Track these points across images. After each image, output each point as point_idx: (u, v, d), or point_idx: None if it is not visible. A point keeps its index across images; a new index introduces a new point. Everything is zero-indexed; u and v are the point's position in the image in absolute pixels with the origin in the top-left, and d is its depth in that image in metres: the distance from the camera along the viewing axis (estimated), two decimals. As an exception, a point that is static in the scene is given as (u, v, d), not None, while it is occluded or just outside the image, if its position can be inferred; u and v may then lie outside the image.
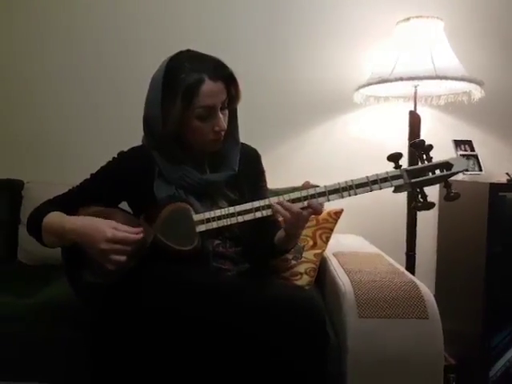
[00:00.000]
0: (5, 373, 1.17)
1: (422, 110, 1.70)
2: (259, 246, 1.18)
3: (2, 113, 2.00)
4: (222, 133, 1.08)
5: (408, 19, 1.57)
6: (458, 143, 1.76)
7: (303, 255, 1.38)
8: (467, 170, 1.68)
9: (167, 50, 1.10)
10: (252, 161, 1.23)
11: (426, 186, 1.03)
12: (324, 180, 1.04)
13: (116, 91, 1.94)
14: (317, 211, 0.99)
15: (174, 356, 0.96)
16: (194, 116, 1.04)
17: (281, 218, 1.03)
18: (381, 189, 0.99)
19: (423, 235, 1.80)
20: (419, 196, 1.03)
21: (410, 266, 1.69)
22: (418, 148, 1.03)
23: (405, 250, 1.72)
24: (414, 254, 1.70)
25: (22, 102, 1.99)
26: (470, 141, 1.78)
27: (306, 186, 1.02)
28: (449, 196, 1.01)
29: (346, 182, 0.99)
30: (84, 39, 1.95)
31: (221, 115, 1.06)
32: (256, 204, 1.01)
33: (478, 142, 1.79)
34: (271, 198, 1.01)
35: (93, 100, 1.97)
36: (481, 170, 1.73)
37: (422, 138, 1.63)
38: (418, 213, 1.69)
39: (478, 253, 1.54)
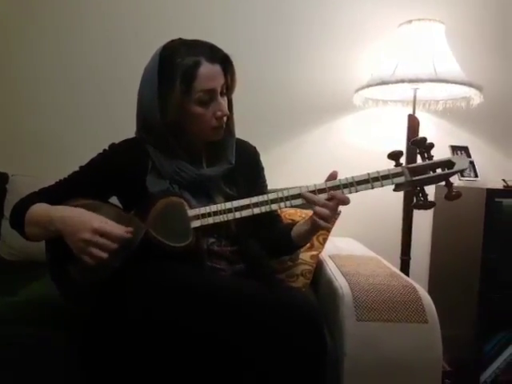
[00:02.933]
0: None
1: (419, 115, 1.69)
2: (260, 244, 1.15)
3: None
4: (225, 119, 1.05)
5: (410, 21, 1.57)
6: (454, 149, 1.75)
7: (300, 257, 1.34)
8: (463, 175, 1.68)
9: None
10: (250, 157, 1.20)
11: (427, 184, 1.01)
12: (322, 181, 1.00)
13: (103, 83, 1.92)
14: (344, 201, 0.95)
15: (163, 363, 0.90)
16: (194, 101, 1.00)
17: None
18: (382, 186, 0.96)
19: (417, 240, 1.78)
20: (420, 195, 1.00)
21: (405, 271, 1.67)
22: (420, 145, 1.01)
23: (399, 254, 1.70)
24: (409, 258, 1.68)
25: (8, 95, 1.95)
26: (467, 147, 1.77)
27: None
28: (450, 195, 0.99)
29: (346, 178, 0.96)
30: (71, 33, 1.93)
31: (221, 100, 1.02)
32: (254, 200, 0.97)
33: (474, 149, 1.78)
34: (270, 194, 0.97)
35: (80, 93, 1.94)
36: (476, 176, 1.72)
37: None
38: (413, 217, 1.67)
39: (473, 259, 1.52)
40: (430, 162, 0.98)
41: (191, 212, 0.98)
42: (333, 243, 1.58)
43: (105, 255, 0.91)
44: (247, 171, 1.16)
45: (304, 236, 1.07)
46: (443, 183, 1.01)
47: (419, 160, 1.01)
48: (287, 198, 0.97)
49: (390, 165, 0.99)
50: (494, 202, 1.48)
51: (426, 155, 1.00)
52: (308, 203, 0.96)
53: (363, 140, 1.90)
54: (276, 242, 1.15)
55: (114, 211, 1.01)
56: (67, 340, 1.08)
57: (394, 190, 1.02)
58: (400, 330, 1.01)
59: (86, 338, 0.97)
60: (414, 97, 1.63)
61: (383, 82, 1.51)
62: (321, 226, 0.96)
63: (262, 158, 1.23)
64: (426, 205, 0.99)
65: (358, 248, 1.63)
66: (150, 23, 1.89)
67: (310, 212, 1.41)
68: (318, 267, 1.40)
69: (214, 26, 1.88)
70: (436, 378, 1.00)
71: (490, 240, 1.48)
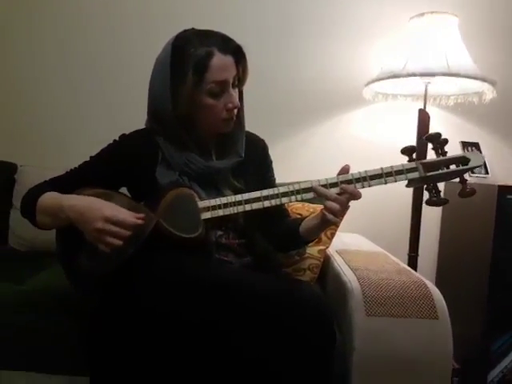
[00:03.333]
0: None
1: (429, 110, 1.67)
2: (268, 238, 1.14)
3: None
4: (235, 111, 1.04)
5: (422, 14, 1.54)
6: (465, 145, 1.73)
7: (307, 251, 1.33)
8: (473, 172, 1.66)
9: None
10: (259, 150, 1.19)
11: (441, 180, 0.99)
12: (331, 175, 0.99)
13: (109, 74, 1.91)
14: (356, 196, 0.94)
15: (171, 354, 0.89)
16: (205, 93, 0.99)
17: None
18: (396, 181, 0.95)
19: (425, 237, 1.77)
20: (433, 191, 0.99)
21: (412, 267, 1.65)
22: (434, 141, 0.99)
23: (406, 250, 1.69)
24: (417, 255, 1.67)
25: (18, 84, 1.95)
26: (477, 143, 1.75)
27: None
28: (464, 192, 0.98)
29: (359, 172, 0.95)
30: (74, 26, 1.92)
31: (233, 92, 1.01)
32: (265, 193, 0.97)
33: (485, 145, 1.76)
34: (281, 187, 0.97)
35: (89, 85, 1.93)
36: (487, 172, 1.71)
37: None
38: (422, 214, 1.66)
39: (483, 256, 1.51)
40: (445, 157, 0.97)
41: (201, 203, 0.98)
42: (340, 239, 1.57)
43: (119, 242, 0.91)
44: (256, 164, 1.15)
45: (313, 231, 1.06)
46: (454, 180, 1.00)
47: (429, 156, 1.00)
48: (298, 192, 0.96)
49: (399, 159, 0.98)
50: (505, 199, 1.46)
51: (439, 151, 0.99)
52: (319, 197, 0.95)
53: (372, 134, 1.88)
54: (284, 236, 1.14)
55: (125, 201, 1.01)
56: (74, 328, 1.08)
57: (407, 186, 1.01)
58: (410, 325, 1.00)
59: (93, 327, 0.97)
60: (425, 91, 1.61)
61: (394, 76, 1.49)
62: (330, 220, 0.95)
63: (270, 152, 1.21)
64: (439, 201, 0.98)
65: (366, 244, 1.62)
66: (155, 17, 1.87)
67: (317, 206, 1.41)
68: (325, 262, 1.39)
69: (221, 21, 1.82)
70: (446, 375, 0.99)
71: (500, 238, 1.46)
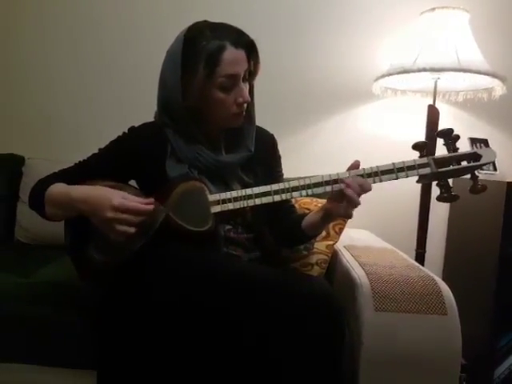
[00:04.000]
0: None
1: (439, 106, 1.66)
2: (273, 232, 1.14)
3: (5, 87, 1.95)
4: (245, 105, 1.03)
5: (433, 9, 1.53)
6: (473, 141, 1.72)
7: (315, 246, 1.33)
8: (482, 168, 1.65)
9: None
10: (268, 145, 1.18)
11: (452, 177, 0.99)
12: (338, 170, 0.99)
13: (117, 67, 1.91)
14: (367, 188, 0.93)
15: (180, 345, 0.89)
16: (216, 87, 0.99)
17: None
18: (407, 176, 0.95)
19: (432, 233, 1.76)
20: (444, 187, 0.99)
21: (420, 264, 1.65)
22: (446, 137, 0.99)
23: (413, 247, 1.68)
24: (424, 251, 1.66)
25: (26, 77, 1.95)
26: (486, 140, 1.74)
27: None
28: (475, 188, 0.97)
29: (371, 167, 0.95)
30: (83, 19, 1.92)
31: (243, 86, 1.01)
32: (275, 187, 0.96)
33: (494, 142, 1.75)
34: (291, 181, 0.96)
35: (98, 78, 1.93)
36: (495, 169, 1.70)
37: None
38: (429, 210, 1.65)
39: (490, 253, 1.51)
40: (457, 153, 0.96)
41: (212, 197, 0.97)
42: (348, 234, 1.56)
43: (131, 230, 0.90)
44: (265, 159, 1.15)
45: (316, 226, 1.06)
46: (462, 176, 0.99)
47: (438, 152, 0.99)
48: (309, 186, 0.96)
49: (408, 155, 0.97)
50: (514, 195, 1.46)
51: (451, 147, 0.98)
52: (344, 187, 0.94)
53: (381, 129, 1.87)
54: (287, 232, 1.14)
55: (134, 193, 1.01)
56: (80, 321, 1.09)
57: (418, 182, 1.01)
58: (419, 321, 1.00)
59: (100, 319, 0.97)
60: (435, 87, 1.60)
61: (405, 71, 1.48)
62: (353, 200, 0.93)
63: (280, 146, 1.21)
64: (450, 198, 0.98)
65: (374, 240, 1.61)
66: (165, 15, 1.86)
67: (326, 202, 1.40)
68: (333, 257, 1.38)
69: (231, 11, 1.85)
70: (454, 372, 0.99)
71: (508, 235, 1.46)
